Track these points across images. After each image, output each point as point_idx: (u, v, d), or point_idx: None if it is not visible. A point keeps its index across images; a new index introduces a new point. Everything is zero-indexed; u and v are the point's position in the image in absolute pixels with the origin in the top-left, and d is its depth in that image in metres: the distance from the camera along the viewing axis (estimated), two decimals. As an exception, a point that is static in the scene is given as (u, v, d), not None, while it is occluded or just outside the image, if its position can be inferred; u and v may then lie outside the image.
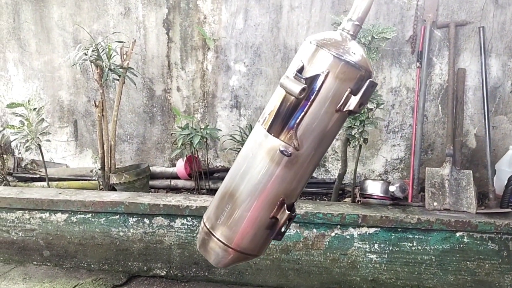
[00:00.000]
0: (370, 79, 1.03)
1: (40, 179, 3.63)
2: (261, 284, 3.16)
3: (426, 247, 3.00)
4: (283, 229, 1.11)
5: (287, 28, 3.41)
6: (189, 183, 3.55)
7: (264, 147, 1.05)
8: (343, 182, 3.58)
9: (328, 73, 1.02)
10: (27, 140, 3.27)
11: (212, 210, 1.18)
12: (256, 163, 1.07)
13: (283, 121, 1.04)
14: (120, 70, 3.24)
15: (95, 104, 3.32)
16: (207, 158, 3.64)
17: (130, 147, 3.75)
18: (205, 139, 3.25)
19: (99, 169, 3.47)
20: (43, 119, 3.36)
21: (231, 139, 3.32)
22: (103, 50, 3.19)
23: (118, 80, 3.31)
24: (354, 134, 3.01)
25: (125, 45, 3.30)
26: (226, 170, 3.29)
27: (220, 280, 3.18)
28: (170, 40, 3.52)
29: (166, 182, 3.60)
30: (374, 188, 3.26)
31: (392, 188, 3.16)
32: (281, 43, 3.43)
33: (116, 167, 3.52)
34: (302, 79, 1.00)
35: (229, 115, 3.56)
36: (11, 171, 3.81)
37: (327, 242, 3.05)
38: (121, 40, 3.36)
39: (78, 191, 3.34)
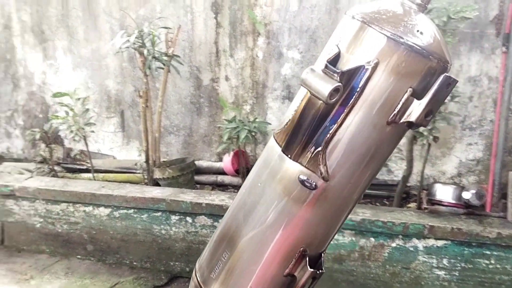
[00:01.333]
0: (446, 74, 0.68)
1: (88, 170, 3.55)
2: (311, 295, 2.86)
3: (506, 266, 2.55)
4: None
5: (347, 9, 3.02)
6: (236, 180, 3.30)
7: (277, 174, 0.73)
8: (408, 185, 3.15)
9: (377, 64, 0.68)
10: (72, 131, 3.17)
11: (206, 256, 0.88)
12: (266, 197, 0.75)
13: (305, 137, 0.71)
14: (165, 58, 3.03)
15: (139, 94, 3.15)
16: (256, 154, 3.36)
17: (176, 139, 3.56)
18: (253, 133, 2.97)
19: (144, 162, 3.31)
20: (88, 109, 3.24)
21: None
22: (147, 36, 2.99)
23: (162, 68, 3.10)
24: (422, 131, 2.60)
25: (170, 31, 3.08)
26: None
27: None
28: (219, 25, 3.26)
29: (212, 178, 3.37)
30: (444, 193, 2.83)
31: (466, 195, 2.72)
32: (339, 26, 3.05)
33: (162, 160, 3.34)
34: (335, 74, 0.67)
35: (281, 107, 3.25)
36: (60, 161, 3.76)
37: (386, 254, 2.68)
38: (168, 25, 3.14)
39: (121, 185, 3.21)
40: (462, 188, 2.80)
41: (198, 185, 3.41)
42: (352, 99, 0.68)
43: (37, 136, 3.33)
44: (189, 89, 3.45)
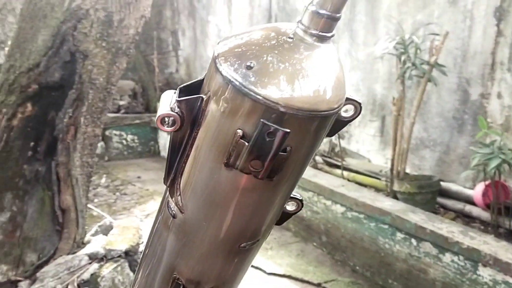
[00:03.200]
0: (262, 120, 0.48)
1: (344, 168, 3.73)
2: None
3: None
4: None
5: None
6: (486, 215, 2.81)
7: (163, 196, 0.71)
8: None
9: (209, 96, 0.54)
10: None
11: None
12: (157, 214, 0.74)
13: (169, 163, 0.64)
14: (425, 66, 2.84)
15: (393, 101, 3.07)
16: (517, 190, 2.76)
17: (431, 154, 3.29)
18: (508, 164, 2.46)
19: (389, 171, 3.23)
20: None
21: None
22: (410, 42, 2.87)
23: (421, 77, 2.92)
24: None
25: (437, 38, 2.85)
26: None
27: None
28: (500, 33, 2.77)
29: (459, 205, 2.98)
30: None
31: None
32: None
33: (406, 172, 3.18)
34: (175, 102, 0.57)
35: None
36: (324, 154, 4.07)
37: None
38: (444, 31, 2.90)
39: (358, 188, 3.25)
40: None
41: (441, 209, 3.08)
42: (194, 131, 0.59)
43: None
44: (453, 102, 3.11)
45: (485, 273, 2.38)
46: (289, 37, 0.56)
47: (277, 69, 0.54)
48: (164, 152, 5.80)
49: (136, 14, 2.03)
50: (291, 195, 0.74)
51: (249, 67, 0.53)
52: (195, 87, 0.63)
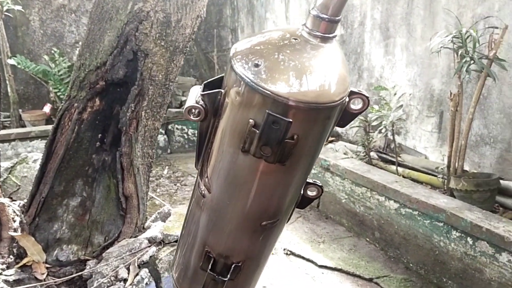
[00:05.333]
0: (268, 111, 0.54)
1: (400, 164, 3.69)
2: None
3: None
4: None
5: None
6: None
7: (196, 179, 0.79)
8: None
9: (225, 92, 0.61)
10: (381, 123, 3.38)
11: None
12: (192, 195, 0.82)
13: (198, 150, 0.73)
14: (484, 61, 2.76)
15: (450, 96, 3.00)
16: None
17: (491, 152, 3.17)
18: None
19: (446, 168, 3.16)
20: (401, 106, 3.36)
21: None
22: (469, 36, 2.79)
23: (480, 72, 2.83)
24: None
25: (496, 32, 2.75)
26: None
27: None
28: None
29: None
30: None
31: None
32: None
33: (464, 170, 3.10)
34: (199, 95, 0.65)
35: None
36: (380, 150, 4.04)
37: None
38: (504, 25, 2.80)
39: (412, 185, 3.20)
40: None
41: (500, 208, 2.97)
42: (216, 121, 0.67)
43: (357, 123, 3.72)
44: (516, 98, 2.98)
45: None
46: (294, 39, 0.64)
47: (283, 67, 0.63)
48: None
49: (192, 14, 2.16)
50: (312, 181, 0.82)
51: (256, 65, 0.62)
52: (218, 83, 0.73)
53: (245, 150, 0.68)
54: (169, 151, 5.92)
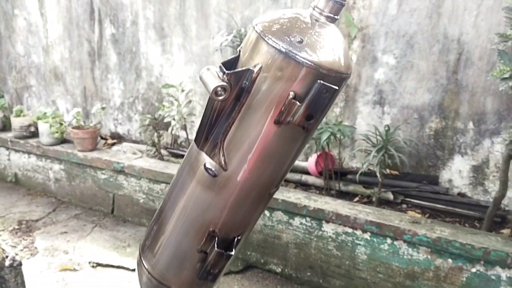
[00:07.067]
0: (320, 81, 0.69)
1: (189, 157, 3.88)
2: (379, 308, 2.78)
3: None
4: (213, 270, 0.85)
5: (450, 14, 2.83)
6: (319, 181, 3.32)
7: (193, 162, 0.83)
8: (507, 209, 2.87)
9: (261, 68, 0.72)
10: (174, 119, 3.50)
11: (146, 229, 1.01)
12: (185, 181, 0.86)
13: (208, 130, 0.79)
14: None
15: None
16: (341, 157, 3.34)
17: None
18: (336, 136, 2.97)
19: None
20: (190, 101, 3.55)
21: (363, 140, 2.96)
22: (245, 36, 3.16)
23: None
24: (519, 150, 2.35)
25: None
26: (357, 172, 2.96)
27: (334, 291, 2.91)
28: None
29: (297, 176, 3.44)
30: (544, 222, 2.51)
31: None
32: (440, 32, 2.88)
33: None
34: (225, 74, 0.73)
35: (371, 112, 3.18)
36: (168, 146, 4.16)
37: (464, 278, 2.49)
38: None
39: (210, 173, 3.45)
40: None
41: (283, 182, 3.51)
42: (242, 98, 0.73)
43: (147, 122, 3.75)
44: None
45: (329, 228, 2.84)
46: (316, 20, 0.72)
47: (318, 43, 0.69)
48: None
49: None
50: None
51: (300, 42, 0.67)
52: (231, 63, 0.73)
53: (279, 122, 0.70)
54: None
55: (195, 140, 0.83)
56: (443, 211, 2.98)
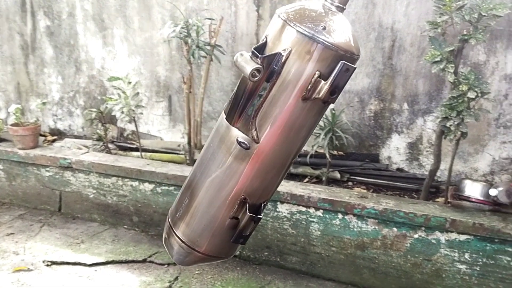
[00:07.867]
0: (342, 61, 0.84)
1: (137, 149, 3.86)
2: (333, 278, 3.00)
3: (529, 265, 2.55)
4: (244, 233, 0.98)
5: (383, 3, 3.08)
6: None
7: (223, 137, 0.94)
8: (439, 180, 3.19)
9: (290, 52, 0.86)
10: (123, 112, 3.48)
11: (174, 202, 1.10)
12: (216, 154, 0.96)
13: (240, 107, 0.92)
14: (207, 47, 3.25)
15: (184, 80, 3.39)
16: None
17: (218, 124, 3.78)
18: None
19: (187, 144, 3.57)
20: (138, 93, 3.54)
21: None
22: (192, 27, 3.22)
23: (205, 57, 3.32)
24: (450, 126, 2.63)
25: (214, 23, 3.29)
26: (305, 156, 3.13)
27: (291, 267, 3.09)
28: (260, 17, 3.42)
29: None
30: (472, 189, 2.84)
31: (493, 192, 2.72)
32: (376, 21, 3.12)
33: (203, 143, 3.58)
34: (258, 58, 0.86)
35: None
36: (114, 140, 4.11)
37: (408, 244, 2.76)
38: (213, 17, 3.35)
39: (164, 164, 3.48)
40: (491, 185, 2.81)
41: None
42: (272, 79, 0.87)
43: (93, 116, 3.68)
44: (231, 77, 3.66)
45: (283, 209, 3.01)
46: (328, 9, 0.85)
47: (337, 29, 0.82)
48: None
49: None
50: None
51: (324, 28, 0.80)
52: (260, 48, 0.84)
53: (306, 98, 0.83)
54: None
55: (227, 118, 0.94)
56: (385, 185, 3.26)
